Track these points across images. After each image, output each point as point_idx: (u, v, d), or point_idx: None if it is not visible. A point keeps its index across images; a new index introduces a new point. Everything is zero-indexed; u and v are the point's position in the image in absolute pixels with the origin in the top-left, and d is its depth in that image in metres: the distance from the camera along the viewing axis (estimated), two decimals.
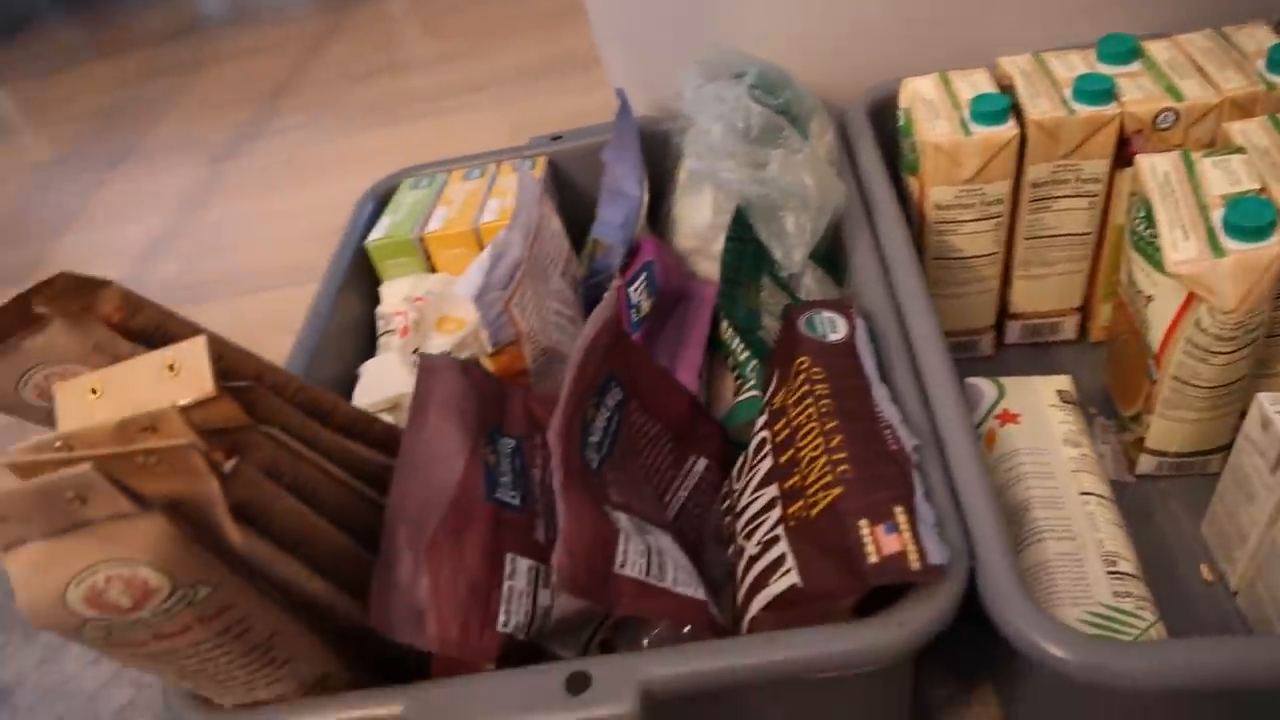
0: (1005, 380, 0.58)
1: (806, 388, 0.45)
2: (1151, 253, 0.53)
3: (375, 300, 0.69)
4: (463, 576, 0.42)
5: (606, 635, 0.46)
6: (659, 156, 0.69)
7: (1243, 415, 0.51)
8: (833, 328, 0.48)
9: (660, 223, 0.67)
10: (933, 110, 0.61)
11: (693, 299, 0.62)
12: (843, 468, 0.41)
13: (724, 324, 0.61)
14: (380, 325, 0.66)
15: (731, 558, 0.46)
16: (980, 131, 0.59)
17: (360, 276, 0.69)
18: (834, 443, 0.42)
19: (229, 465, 0.38)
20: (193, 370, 0.39)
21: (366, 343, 0.68)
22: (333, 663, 0.43)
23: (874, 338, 0.49)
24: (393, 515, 0.43)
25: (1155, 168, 0.54)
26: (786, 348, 0.48)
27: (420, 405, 0.47)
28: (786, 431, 0.45)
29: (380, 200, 0.74)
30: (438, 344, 0.63)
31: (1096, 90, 0.58)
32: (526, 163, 0.68)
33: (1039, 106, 0.59)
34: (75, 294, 0.41)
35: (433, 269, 0.69)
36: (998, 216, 0.62)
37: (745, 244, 0.55)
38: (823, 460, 0.42)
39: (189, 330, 0.44)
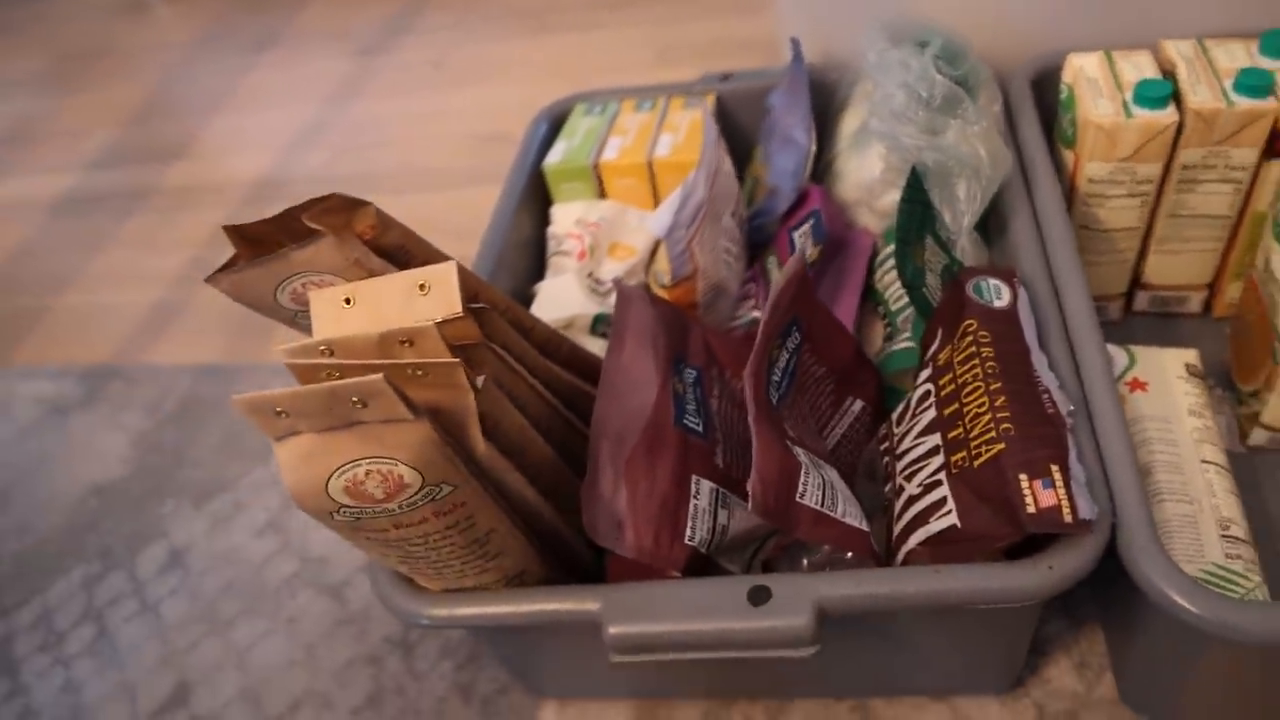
0: (1136, 349, 0.63)
1: (973, 349, 0.51)
2: None
3: (546, 220, 0.75)
4: (656, 493, 0.48)
5: (768, 555, 0.53)
6: (823, 105, 0.73)
7: None
8: (998, 294, 0.53)
9: (821, 171, 0.71)
10: (1095, 89, 0.65)
11: (851, 247, 0.67)
12: (1005, 425, 0.47)
13: (879, 273, 0.66)
14: (551, 245, 0.72)
15: (889, 494, 0.52)
16: (1141, 114, 0.62)
17: (533, 196, 0.75)
18: (998, 402, 0.48)
19: (480, 380, 0.44)
20: (443, 291, 0.45)
21: (536, 260, 0.74)
22: (534, 560, 0.50)
23: (1033, 306, 0.54)
24: (596, 433, 0.49)
25: None
26: (953, 309, 0.54)
27: (619, 332, 0.53)
28: (951, 387, 0.51)
29: (553, 122, 0.79)
30: (610, 269, 0.69)
31: (1257, 85, 0.61)
32: (706, 103, 0.72)
33: (1199, 95, 0.62)
34: (340, 211, 0.47)
35: (603, 195, 0.74)
36: (1145, 194, 0.66)
37: (916, 205, 0.60)
38: (987, 417, 0.47)
39: (426, 250, 0.50)
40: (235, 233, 0.47)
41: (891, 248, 0.67)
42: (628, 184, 0.73)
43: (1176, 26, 0.69)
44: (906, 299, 0.64)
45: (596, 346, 0.66)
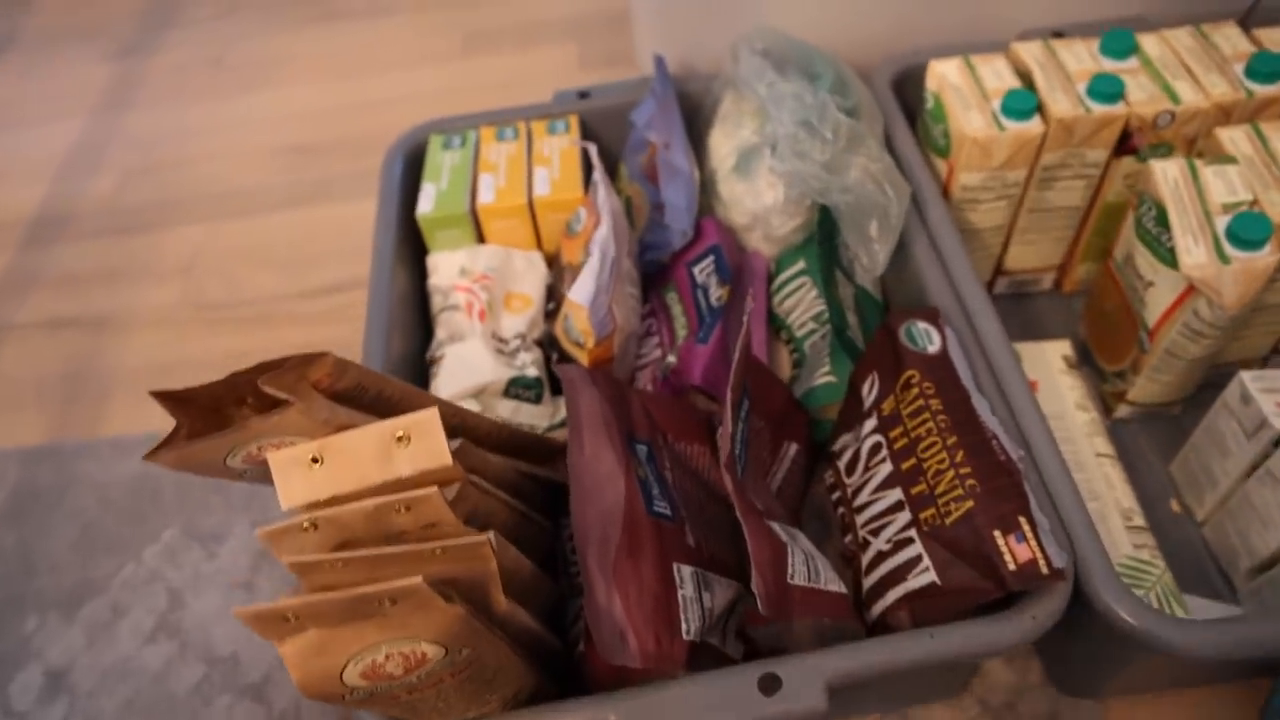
0: (1020, 346, 0.67)
1: (920, 402, 0.52)
2: (1157, 247, 0.62)
3: (421, 269, 0.70)
4: (646, 593, 0.47)
5: (741, 622, 0.53)
6: (686, 117, 0.71)
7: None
8: (929, 339, 0.55)
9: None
10: (963, 100, 0.67)
11: (747, 273, 0.67)
12: (970, 482, 0.49)
13: (778, 298, 0.66)
14: (437, 300, 0.68)
15: (851, 545, 0.54)
16: (1012, 127, 0.65)
17: (406, 245, 0.70)
18: (958, 458, 0.50)
19: (491, 537, 0.41)
20: (427, 442, 0.41)
21: (419, 314, 0.69)
22: (527, 676, 0.48)
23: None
24: (581, 542, 0.48)
25: (1166, 173, 0.62)
26: (888, 355, 0.55)
27: (575, 425, 0.51)
28: (905, 440, 0.52)
29: (407, 159, 0.73)
30: (510, 325, 0.65)
31: (1110, 92, 0.65)
32: (592, 150, 0.68)
33: (1059, 104, 0.65)
34: (296, 367, 0.42)
35: (482, 238, 0.70)
36: (1012, 195, 0.69)
37: (828, 246, 0.61)
38: (950, 474, 0.49)
39: (381, 383, 0.46)
40: (169, 399, 0.41)
41: (789, 272, 0.67)
42: (508, 225, 0.69)
43: (1018, 19, 0.72)
44: (811, 327, 0.65)
45: (507, 409, 0.63)
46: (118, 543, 0.75)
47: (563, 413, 0.64)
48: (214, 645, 0.69)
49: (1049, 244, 0.75)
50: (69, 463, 0.81)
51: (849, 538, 0.54)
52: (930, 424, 0.51)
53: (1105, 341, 0.71)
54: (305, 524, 0.41)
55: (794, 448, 0.59)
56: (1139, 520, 0.61)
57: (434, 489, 0.40)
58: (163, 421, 0.42)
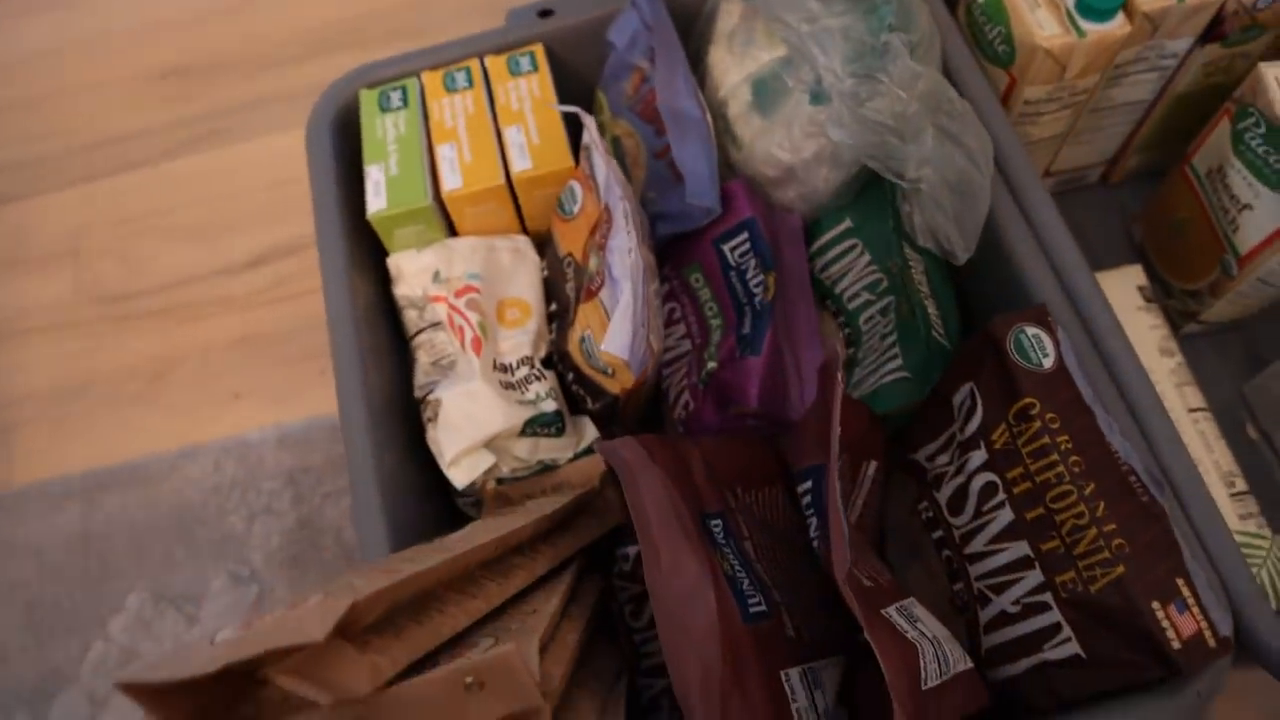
0: None
1: (1046, 440, 0.44)
2: (1262, 169, 0.53)
3: (379, 273, 0.57)
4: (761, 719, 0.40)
5: (848, 690, 0.47)
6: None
7: None
8: (1042, 349, 0.46)
9: None
10: None
11: (781, 236, 0.56)
12: (1117, 541, 0.41)
13: (820, 263, 0.56)
14: (411, 315, 0.55)
15: (962, 595, 0.47)
16: (1093, 30, 0.53)
17: (357, 246, 0.56)
18: (1098, 512, 0.42)
19: None
20: (509, 686, 0.32)
21: (391, 333, 0.57)
22: None
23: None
24: (681, 686, 0.40)
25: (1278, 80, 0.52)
26: (995, 373, 0.46)
27: (643, 526, 0.42)
28: (1028, 485, 0.44)
29: (336, 122, 0.58)
30: (510, 345, 0.54)
31: None
32: (591, 123, 0.53)
33: None
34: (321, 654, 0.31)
35: (452, 230, 0.57)
36: (1078, 103, 0.58)
37: (895, 208, 0.50)
38: (1092, 532, 0.42)
39: (420, 578, 0.35)
40: (144, 695, 0.30)
41: (834, 232, 0.57)
42: (484, 210, 0.56)
43: None
44: (865, 298, 0.55)
45: (525, 448, 0.53)
46: (75, 618, 0.64)
47: (588, 437, 0.54)
48: None
49: (1104, 140, 0.64)
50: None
51: (959, 585, 0.47)
52: (1061, 468, 0.43)
53: (1174, 255, 0.63)
54: None
55: (873, 465, 0.51)
56: (1241, 485, 0.56)
57: None
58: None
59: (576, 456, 0.54)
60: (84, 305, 0.74)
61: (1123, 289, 0.60)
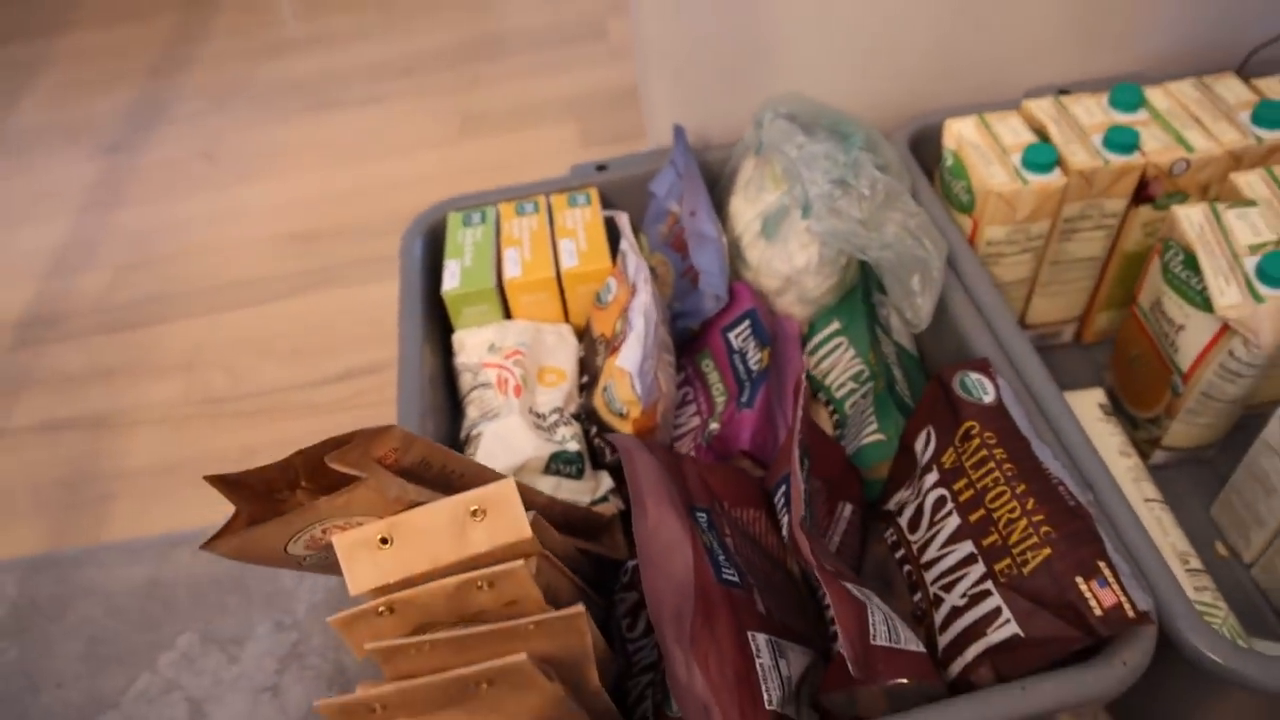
0: None
1: (984, 452, 0.51)
2: (1187, 291, 0.63)
3: (446, 348, 0.69)
4: (726, 665, 0.45)
5: (812, 693, 0.51)
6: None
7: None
8: (983, 389, 0.54)
9: None
10: (983, 156, 0.68)
11: (781, 338, 0.67)
12: (1045, 529, 0.48)
13: (813, 360, 0.66)
14: (466, 379, 0.66)
15: (921, 604, 0.52)
16: (1035, 180, 0.66)
17: (429, 324, 0.68)
18: (1029, 505, 0.49)
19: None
20: (505, 514, 0.40)
21: (449, 397, 0.68)
22: None
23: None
24: (655, 616, 0.46)
25: (1191, 219, 0.63)
26: (944, 410, 0.54)
27: (637, 495, 0.50)
28: (970, 492, 0.51)
29: (426, 237, 0.73)
30: (546, 400, 0.64)
31: (1125, 143, 0.66)
32: (624, 221, 0.68)
33: (1077, 156, 0.67)
34: (362, 444, 0.40)
35: (509, 314, 0.69)
36: (1036, 248, 0.70)
37: (868, 304, 0.60)
38: (1023, 523, 0.48)
39: (446, 457, 0.44)
40: (222, 483, 0.39)
41: (824, 333, 0.67)
42: (536, 300, 0.68)
43: (1026, 79, 0.74)
44: (850, 387, 0.64)
45: (548, 485, 0.61)
46: (129, 653, 0.71)
47: (604, 487, 0.62)
48: None
49: (1070, 295, 0.75)
50: (71, 572, 0.77)
51: (918, 595, 0.53)
52: (996, 473, 0.50)
53: (1135, 388, 0.71)
54: (381, 608, 0.39)
55: (849, 508, 0.58)
56: (1195, 563, 0.60)
57: (519, 563, 0.38)
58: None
59: (594, 503, 0.62)
60: (188, 405, 0.87)
61: (1085, 404, 0.68)
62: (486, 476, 0.45)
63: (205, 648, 0.70)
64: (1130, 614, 0.45)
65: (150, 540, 0.77)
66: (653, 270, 0.72)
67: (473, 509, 0.39)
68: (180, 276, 0.99)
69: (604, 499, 0.62)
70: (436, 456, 0.43)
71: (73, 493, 0.82)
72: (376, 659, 0.37)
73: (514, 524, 0.39)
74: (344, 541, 0.39)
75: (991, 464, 0.51)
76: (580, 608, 0.37)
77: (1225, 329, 0.61)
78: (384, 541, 0.39)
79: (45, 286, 1.01)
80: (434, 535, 0.39)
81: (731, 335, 0.65)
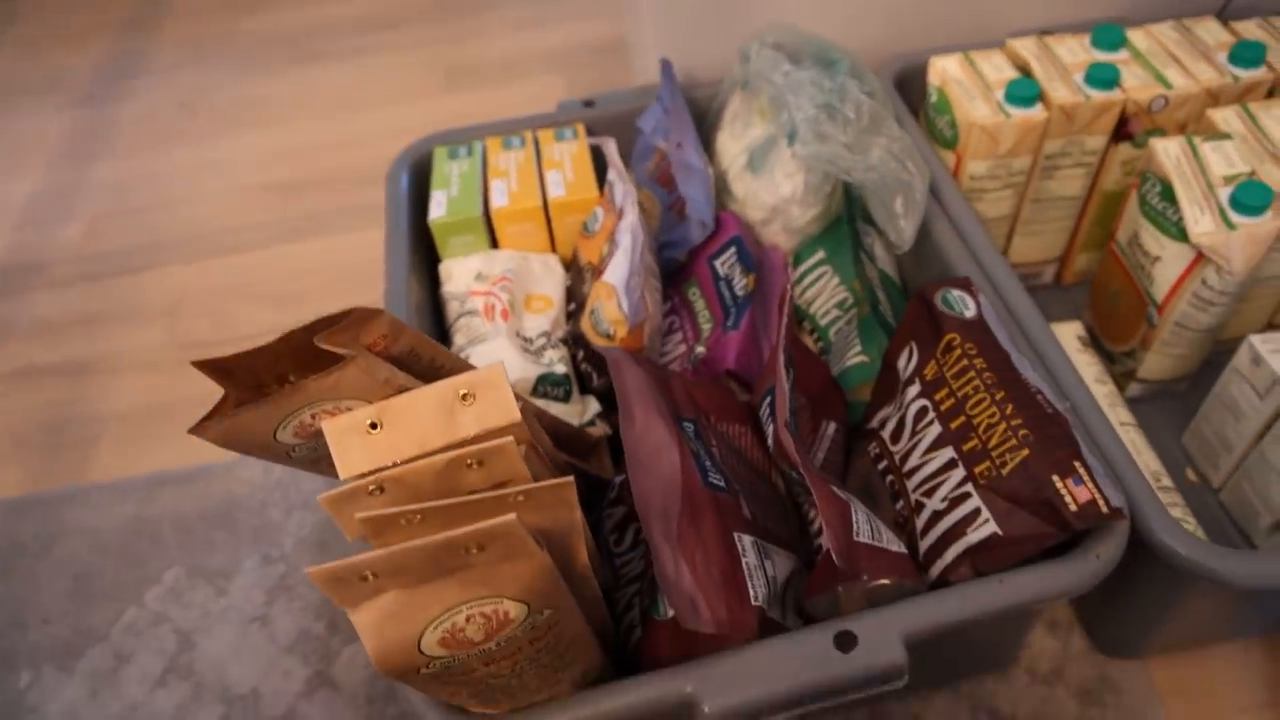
0: None
1: (965, 362, 0.52)
2: (1163, 222, 0.64)
3: (433, 278, 0.69)
4: (713, 561, 0.46)
5: (797, 598, 0.52)
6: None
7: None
8: (965, 305, 0.55)
9: None
10: (966, 91, 0.69)
11: (766, 267, 0.67)
12: (1023, 432, 0.49)
13: (799, 289, 0.67)
14: (453, 306, 0.66)
15: (903, 511, 0.53)
16: (1017, 113, 0.67)
17: (417, 254, 0.69)
18: (1008, 411, 0.50)
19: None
20: (494, 398, 0.40)
21: (436, 326, 0.68)
22: (596, 654, 0.46)
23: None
24: (644, 515, 0.46)
25: (1169, 151, 0.64)
26: (926, 325, 0.55)
27: (625, 402, 0.50)
28: (951, 401, 0.52)
29: (413, 170, 0.73)
30: (533, 324, 0.65)
31: (1106, 79, 0.67)
32: (611, 145, 0.68)
33: (1059, 92, 0.68)
34: (350, 328, 0.40)
35: (496, 244, 0.70)
36: (1017, 184, 0.71)
37: (853, 226, 0.61)
38: (1002, 427, 0.49)
39: (434, 350, 0.45)
40: (211, 367, 0.40)
41: (809, 262, 0.68)
42: (523, 229, 0.69)
43: (1009, 21, 0.76)
44: (835, 314, 0.65)
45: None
46: (116, 588, 0.71)
47: (591, 411, 0.63)
48: (231, 684, 0.65)
49: (1050, 234, 0.77)
50: (55, 511, 0.77)
51: (900, 504, 0.54)
52: (976, 381, 0.51)
53: (1112, 323, 0.73)
54: (371, 487, 0.39)
55: (832, 426, 0.59)
56: (1167, 482, 0.62)
57: (509, 439, 0.39)
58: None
59: (581, 426, 0.63)
60: (171, 350, 0.86)
61: (1065, 335, 0.70)
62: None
63: (193, 581, 0.71)
64: (1104, 509, 0.46)
65: (136, 480, 0.77)
66: (640, 205, 0.72)
67: (462, 393, 0.40)
68: (160, 226, 0.99)
69: (591, 423, 0.63)
70: (425, 349, 0.44)
71: (56, 435, 0.82)
72: (367, 531, 0.37)
73: (503, 407, 0.40)
74: (333, 427, 0.39)
75: (972, 373, 0.52)
76: (570, 478, 0.38)
77: (1199, 258, 0.62)
78: (373, 426, 0.40)
79: (19, 238, 1.00)
80: (423, 419, 0.39)
81: (717, 262, 0.66)
